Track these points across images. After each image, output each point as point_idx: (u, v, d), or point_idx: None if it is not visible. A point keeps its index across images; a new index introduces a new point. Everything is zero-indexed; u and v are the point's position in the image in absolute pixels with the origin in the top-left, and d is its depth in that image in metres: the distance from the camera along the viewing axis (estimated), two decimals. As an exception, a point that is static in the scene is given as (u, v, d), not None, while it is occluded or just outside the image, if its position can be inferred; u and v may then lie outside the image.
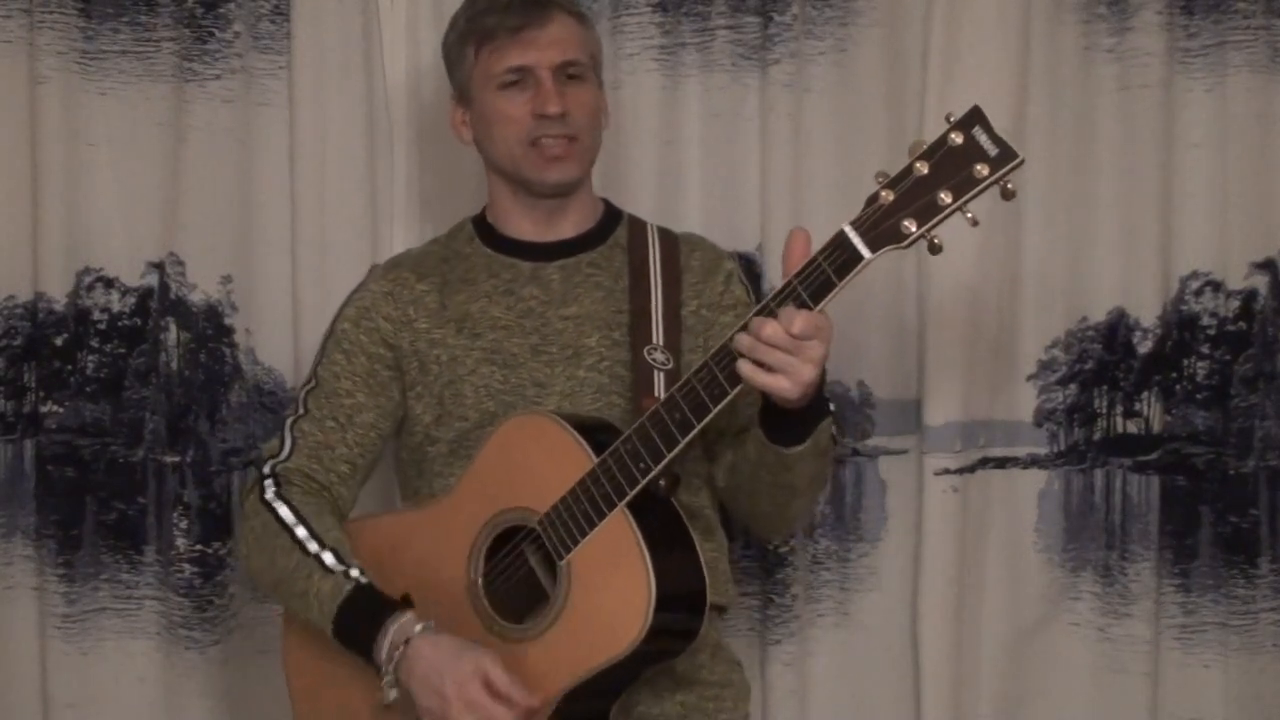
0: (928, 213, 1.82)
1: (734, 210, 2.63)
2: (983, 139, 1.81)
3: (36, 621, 2.70)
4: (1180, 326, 2.63)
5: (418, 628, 2.04)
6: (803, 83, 2.61)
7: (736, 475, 2.15)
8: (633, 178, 2.59)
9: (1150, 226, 2.61)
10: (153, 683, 2.70)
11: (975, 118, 1.82)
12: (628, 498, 1.98)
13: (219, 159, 2.66)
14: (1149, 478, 2.64)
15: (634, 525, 1.98)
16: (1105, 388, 2.65)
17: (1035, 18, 2.60)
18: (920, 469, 2.63)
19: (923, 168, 1.82)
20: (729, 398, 1.93)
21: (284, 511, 2.16)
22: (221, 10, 2.65)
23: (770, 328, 1.87)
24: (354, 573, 2.09)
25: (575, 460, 2.02)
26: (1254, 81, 2.61)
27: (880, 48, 2.63)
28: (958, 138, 1.82)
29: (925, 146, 1.83)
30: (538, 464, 2.05)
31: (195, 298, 2.68)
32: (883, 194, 1.84)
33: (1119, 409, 2.65)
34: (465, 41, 2.24)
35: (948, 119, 1.83)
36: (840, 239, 1.86)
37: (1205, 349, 2.64)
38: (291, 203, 2.64)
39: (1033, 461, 2.65)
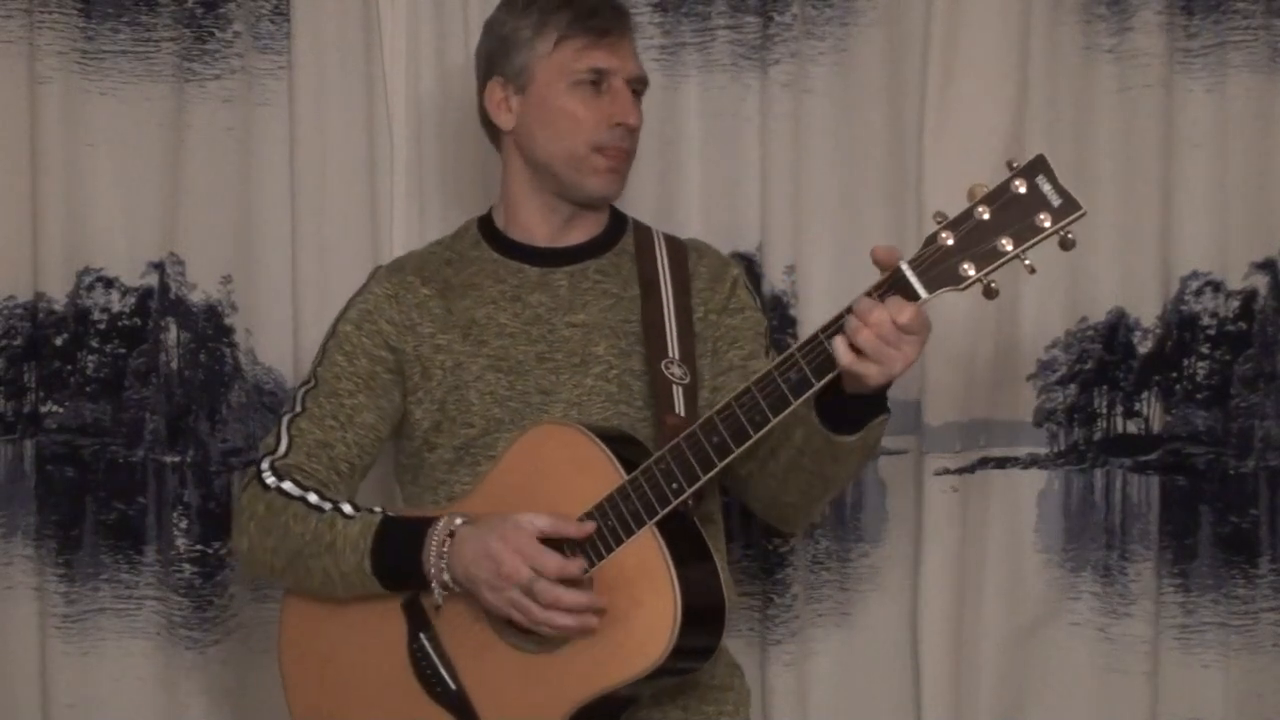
0: (988, 258, 1.84)
1: (734, 210, 2.63)
2: (1046, 188, 1.83)
3: (36, 621, 2.70)
4: (1180, 326, 2.63)
5: (458, 520, 2.05)
6: (803, 83, 2.61)
7: (771, 462, 2.12)
8: (633, 178, 2.57)
9: (1150, 226, 2.60)
10: (153, 683, 2.70)
11: (1039, 166, 1.83)
12: (658, 516, 1.98)
13: (219, 159, 2.66)
14: (1149, 478, 2.64)
15: (662, 544, 1.98)
16: (1105, 388, 2.64)
17: (1035, 18, 2.60)
18: (920, 469, 2.63)
19: (984, 213, 1.83)
20: (770, 425, 1.94)
21: (289, 486, 2.15)
22: (221, 10, 2.65)
23: (879, 313, 1.87)
24: (377, 509, 2.11)
25: (605, 474, 2.01)
26: (1254, 81, 2.61)
27: (880, 48, 2.63)
28: (1021, 186, 1.82)
29: (987, 191, 1.84)
30: (565, 475, 2.05)
31: (195, 298, 2.68)
32: (942, 235, 1.84)
33: (1119, 409, 2.65)
34: (538, 30, 2.21)
35: (1010, 165, 1.84)
36: (897, 276, 1.87)
37: (1205, 349, 2.64)
38: (291, 203, 2.65)
39: (1033, 461, 2.65)
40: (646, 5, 2.61)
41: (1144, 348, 2.62)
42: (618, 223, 2.31)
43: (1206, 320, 2.63)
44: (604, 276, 2.25)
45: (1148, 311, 2.61)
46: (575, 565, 1.99)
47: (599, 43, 2.20)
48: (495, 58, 2.27)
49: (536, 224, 2.27)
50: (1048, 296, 2.63)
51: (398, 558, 2.07)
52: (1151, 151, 2.60)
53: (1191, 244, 2.62)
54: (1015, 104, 2.59)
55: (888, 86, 2.63)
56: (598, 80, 2.20)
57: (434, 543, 2.04)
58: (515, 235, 2.28)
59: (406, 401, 2.24)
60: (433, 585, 2.05)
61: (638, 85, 2.24)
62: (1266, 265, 2.64)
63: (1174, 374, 2.64)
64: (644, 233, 2.30)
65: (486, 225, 2.32)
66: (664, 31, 2.62)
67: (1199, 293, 2.63)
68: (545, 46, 2.21)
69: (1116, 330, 2.63)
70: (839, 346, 1.88)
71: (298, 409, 2.23)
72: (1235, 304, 2.63)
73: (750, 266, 2.58)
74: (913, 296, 1.86)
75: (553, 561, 1.98)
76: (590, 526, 2.00)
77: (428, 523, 2.07)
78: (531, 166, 2.25)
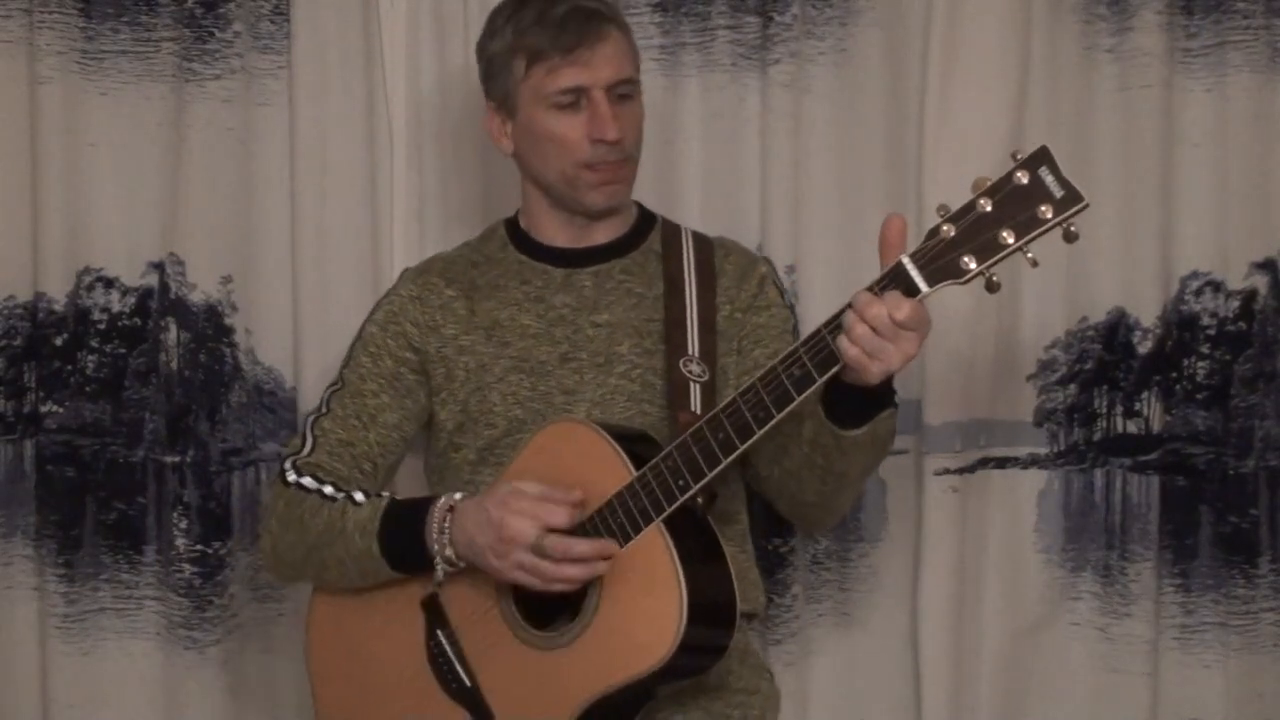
0: (989, 251, 1.82)
1: (734, 210, 2.62)
2: (1049, 179, 1.81)
3: (36, 621, 2.70)
4: (1180, 326, 2.63)
5: (458, 496, 2.07)
6: (803, 83, 2.61)
7: (785, 460, 2.11)
8: (633, 177, 2.59)
9: (1150, 226, 2.60)
10: (153, 683, 2.70)
11: (1042, 157, 1.82)
12: (665, 514, 1.98)
13: (219, 159, 2.66)
14: (1149, 478, 2.64)
15: (669, 541, 1.98)
16: (1105, 388, 2.64)
17: (1035, 18, 2.60)
18: (920, 469, 2.63)
19: (986, 205, 1.82)
20: (773, 421, 1.93)
21: (307, 480, 2.19)
22: (221, 10, 2.65)
23: (876, 308, 1.86)
24: (385, 493, 2.15)
25: (614, 471, 2.02)
26: (1254, 81, 2.61)
27: (880, 48, 2.63)
28: (1023, 177, 1.81)
29: (989, 183, 1.82)
30: (575, 472, 2.05)
31: (195, 298, 2.68)
32: (944, 228, 1.83)
33: (1119, 409, 2.65)
34: (513, 54, 2.20)
35: (1014, 157, 1.83)
36: (898, 270, 1.86)
37: (1205, 349, 2.64)
38: (291, 203, 2.64)
39: (1033, 461, 2.65)
40: (646, 5, 2.61)
41: (1144, 348, 2.62)
42: (645, 221, 2.31)
43: (1206, 320, 2.63)
44: (629, 276, 2.26)
45: (1148, 311, 2.61)
46: (579, 506, 2.01)
47: (568, 59, 2.17)
48: (485, 83, 2.28)
49: (557, 231, 2.28)
50: (1048, 296, 2.63)
51: (403, 538, 2.09)
52: (1151, 151, 2.60)
53: (1191, 244, 2.62)
54: (1015, 104, 2.59)
55: (888, 86, 2.63)
56: (575, 99, 2.18)
57: (435, 519, 2.07)
58: (539, 238, 2.29)
59: (432, 402, 2.26)
60: (436, 561, 2.07)
61: (622, 88, 2.21)
62: (1266, 265, 2.64)
63: (1174, 374, 2.63)
64: (671, 231, 2.30)
65: (513, 227, 2.33)
66: (664, 31, 2.62)
67: (1199, 293, 2.63)
68: (519, 71, 2.20)
69: (1116, 330, 2.63)
70: (840, 342, 1.88)
71: (323, 410, 2.26)
72: (1235, 304, 2.63)
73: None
74: (913, 290, 1.85)
75: (560, 512, 2.00)
76: (578, 495, 2.01)
77: (431, 501, 2.09)
78: (536, 186, 2.26)
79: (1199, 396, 2.64)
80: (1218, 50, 2.61)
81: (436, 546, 2.06)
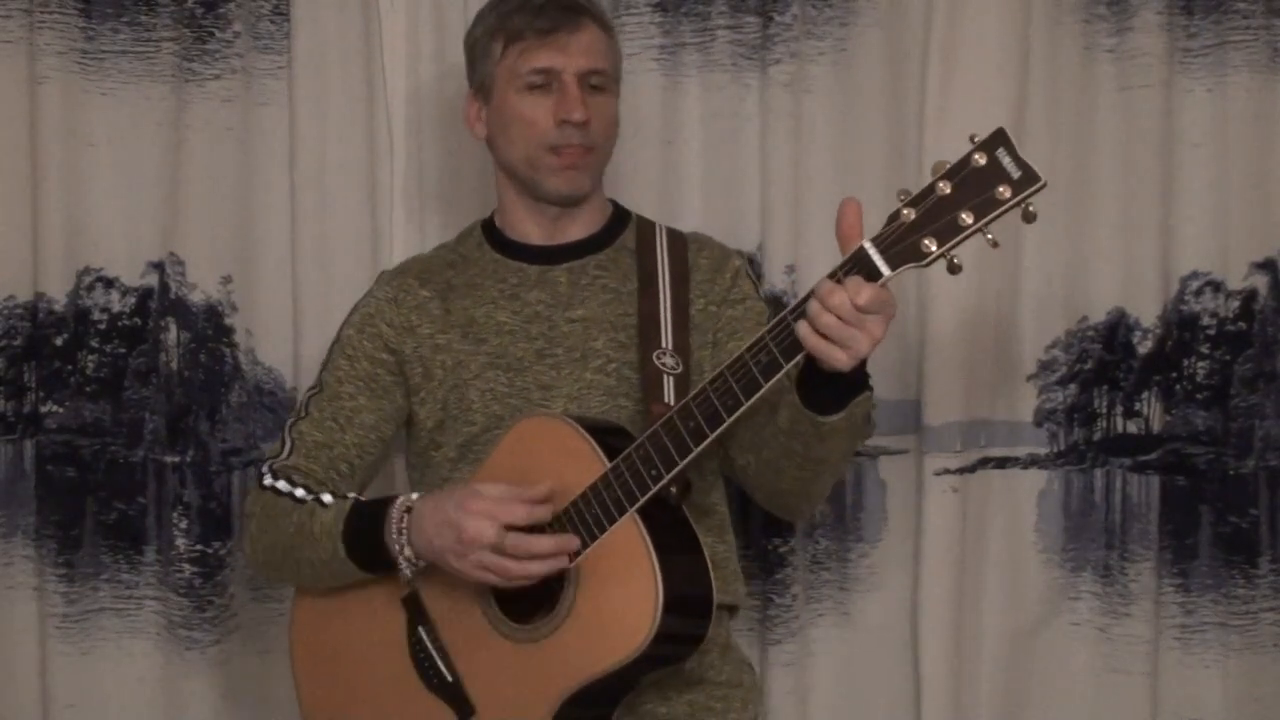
0: (948, 233, 1.83)
1: (734, 210, 2.63)
2: (1006, 160, 1.82)
3: (36, 621, 2.70)
4: (1180, 326, 2.63)
5: (414, 496, 2.08)
6: (803, 83, 2.61)
7: (763, 449, 2.12)
8: (633, 178, 2.59)
9: (1150, 226, 2.61)
10: (153, 683, 2.70)
11: (999, 139, 1.82)
12: (638, 504, 1.99)
13: (219, 159, 2.66)
14: (1149, 478, 2.64)
15: (644, 531, 1.99)
16: (1105, 388, 2.65)
17: (1035, 18, 2.60)
18: (920, 469, 2.63)
19: (945, 187, 1.83)
20: (743, 408, 1.94)
21: (281, 484, 2.20)
22: (221, 10, 2.65)
23: (838, 296, 1.86)
24: (351, 495, 2.16)
25: (588, 464, 2.03)
26: (1254, 81, 2.61)
27: (880, 48, 2.63)
28: (981, 159, 1.82)
29: (948, 166, 1.83)
30: (550, 466, 2.06)
31: (195, 298, 2.68)
32: (904, 212, 1.84)
33: (1119, 409, 2.65)
34: (493, 37, 2.24)
35: (971, 139, 1.83)
36: (860, 255, 1.86)
37: (1205, 349, 2.64)
38: (291, 203, 2.65)
39: (1033, 461, 2.65)
40: (646, 5, 2.61)
41: (1144, 348, 2.62)
42: (619, 219, 2.32)
43: (1206, 320, 2.63)
44: (603, 272, 2.26)
45: (1148, 311, 2.62)
46: (544, 509, 2.01)
47: (543, 42, 2.20)
48: (468, 71, 2.31)
49: (529, 225, 2.29)
50: (1048, 296, 2.63)
51: (366, 539, 2.10)
52: (1151, 151, 2.60)
53: (1191, 244, 2.62)
54: (1015, 104, 2.59)
55: (888, 86, 2.63)
56: (546, 81, 2.20)
57: (393, 521, 2.08)
58: (513, 236, 2.30)
59: (411, 402, 2.27)
60: (399, 562, 2.08)
61: (594, 79, 2.22)
62: (1266, 265, 2.64)
63: (1174, 374, 2.64)
64: (646, 228, 2.31)
65: (488, 227, 2.34)
66: (664, 31, 2.62)
67: (1199, 293, 2.63)
68: (497, 53, 2.23)
69: (1116, 330, 2.63)
70: (801, 330, 1.88)
71: (301, 413, 2.27)
72: (1235, 304, 2.63)
73: (751, 266, 2.58)
74: (875, 275, 1.86)
75: (519, 510, 2.00)
76: (544, 489, 2.01)
77: (389, 502, 2.10)
78: (507, 174, 2.28)
79: (1199, 396, 2.64)
80: (1218, 50, 2.61)
81: (396, 548, 2.07)
